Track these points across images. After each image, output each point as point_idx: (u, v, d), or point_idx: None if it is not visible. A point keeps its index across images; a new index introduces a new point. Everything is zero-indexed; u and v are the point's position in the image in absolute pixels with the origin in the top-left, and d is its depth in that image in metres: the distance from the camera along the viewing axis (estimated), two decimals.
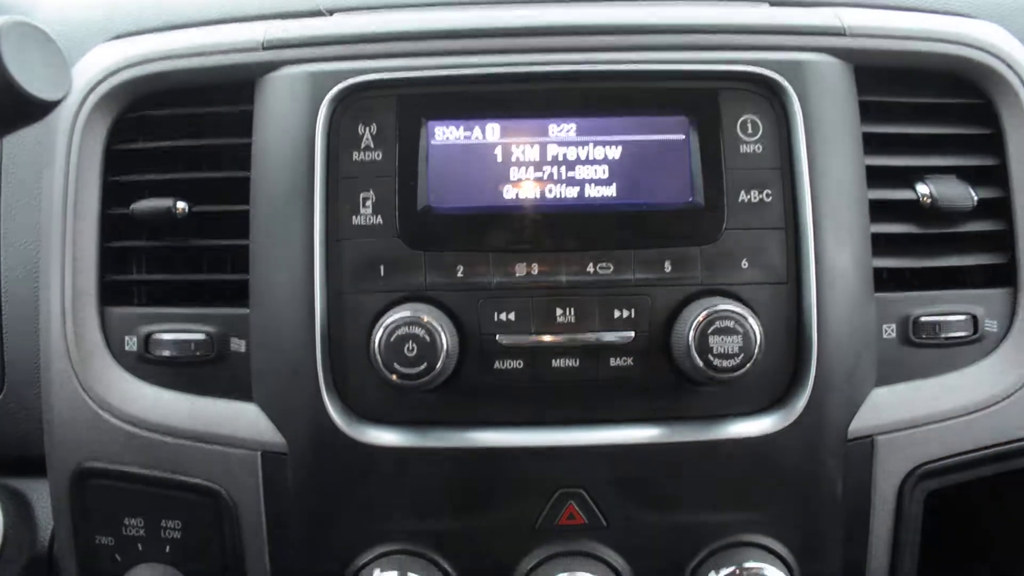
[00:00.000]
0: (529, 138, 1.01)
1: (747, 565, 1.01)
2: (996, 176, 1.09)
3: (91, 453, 1.05)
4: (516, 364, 1.00)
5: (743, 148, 1.01)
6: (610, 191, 1.01)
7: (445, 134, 1.01)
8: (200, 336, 1.05)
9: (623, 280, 1.00)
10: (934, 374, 1.07)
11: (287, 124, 1.01)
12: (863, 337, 1.03)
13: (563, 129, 1.02)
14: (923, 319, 1.07)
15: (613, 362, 1.00)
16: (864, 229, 1.04)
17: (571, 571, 1.01)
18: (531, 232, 1.00)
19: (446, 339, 0.95)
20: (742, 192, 1.01)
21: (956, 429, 1.05)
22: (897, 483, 1.05)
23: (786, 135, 1.02)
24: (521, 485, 1.02)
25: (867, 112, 1.06)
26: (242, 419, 1.03)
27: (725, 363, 0.95)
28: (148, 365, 1.06)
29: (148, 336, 1.06)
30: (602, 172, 1.01)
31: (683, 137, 1.01)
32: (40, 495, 1.22)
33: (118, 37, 1.15)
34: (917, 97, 1.10)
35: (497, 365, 1.00)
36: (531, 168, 1.01)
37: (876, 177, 1.06)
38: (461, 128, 1.01)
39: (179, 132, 1.08)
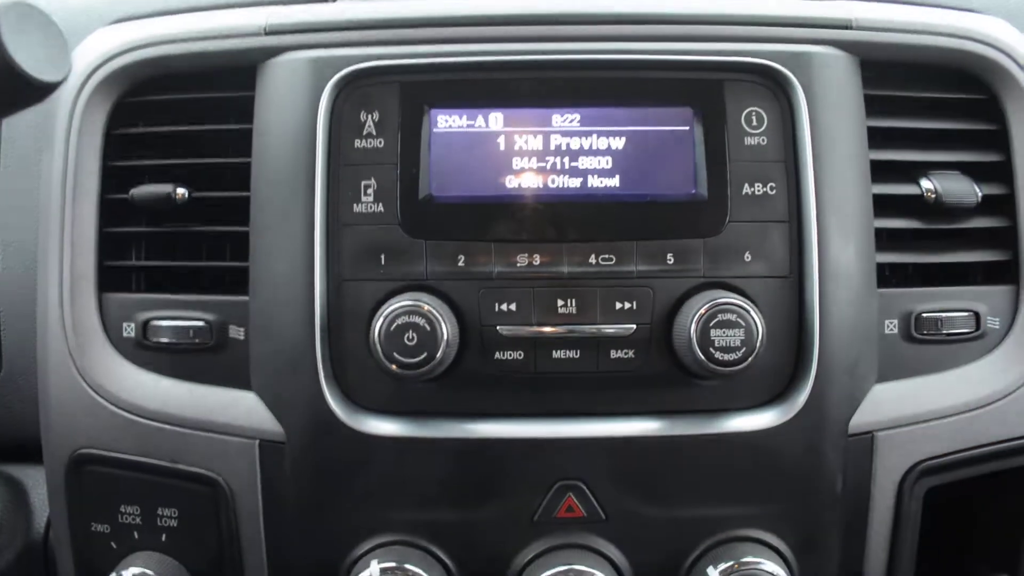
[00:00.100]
0: (532, 127, 1.01)
1: (745, 560, 1.00)
2: (1000, 172, 1.09)
3: (87, 440, 1.04)
4: (516, 355, 0.99)
5: (747, 140, 1.01)
6: (613, 182, 1.01)
7: (447, 122, 1.01)
8: (199, 323, 1.04)
9: (625, 272, 0.99)
10: (936, 370, 1.07)
11: (289, 110, 1.01)
12: (865, 332, 1.03)
13: (567, 119, 1.01)
14: (925, 315, 1.06)
15: (614, 354, 0.99)
16: (868, 224, 1.03)
17: (569, 564, 1.00)
18: (533, 222, 1.00)
19: (446, 329, 0.94)
20: (746, 185, 1.00)
21: (957, 426, 1.05)
22: (897, 479, 1.05)
23: (791, 128, 1.01)
24: (520, 477, 1.01)
25: (872, 106, 1.06)
26: (240, 407, 1.03)
27: (726, 356, 0.94)
28: (146, 352, 1.06)
29: (146, 322, 1.05)
30: (605, 163, 1.01)
31: (687, 128, 1.01)
32: (36, 482, 1.22)
33: (119, 21, 1.14)
34: (922, 92, 1.09)
35: (497, 356, 0.99)
36: (534, 158, 1.01)
37: (880, 172, 1.05)
38: (464, 116, 1.01)
39: (179, 117, 1.08)
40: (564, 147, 1.01)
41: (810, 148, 1.00)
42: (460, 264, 0.99)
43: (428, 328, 0.94)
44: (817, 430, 1.01)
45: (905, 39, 1.06)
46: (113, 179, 1.07)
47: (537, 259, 0.99)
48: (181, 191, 1.05)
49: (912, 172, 1.07)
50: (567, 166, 1.01)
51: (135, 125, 1.08)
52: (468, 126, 1.01)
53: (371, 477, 1.01)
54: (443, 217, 1.00)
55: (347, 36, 1.03)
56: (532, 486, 1.01)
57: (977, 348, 1.08)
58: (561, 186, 1.01)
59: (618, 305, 0.99)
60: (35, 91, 0.74)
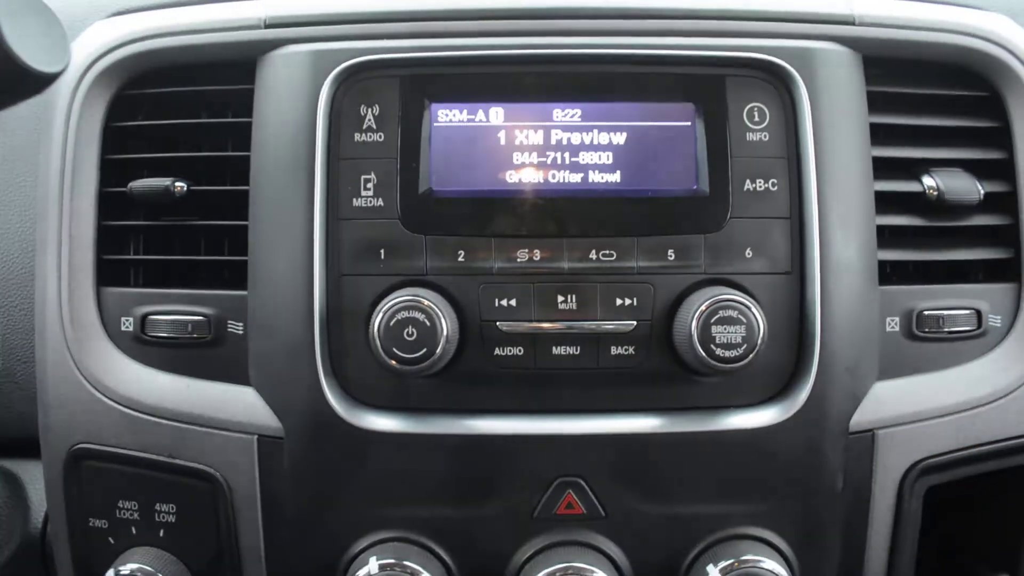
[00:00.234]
0: (533, 122, 1.00)
1: (745, 558, 1.00)
2: (1003, 170, 1.09)
3: (85, 434, 1.04)
4: (516, 351, 0.99)
5: (749, 136, 1.00)
6: (614, 177, 1.00)
7: (448, 116, 1.00)
8: (197, 318, 1.04)
9: (626, 268, 0.99)
10: (937, 368, 1.07)
11: (288, 104, 1.00)
12: (866, 330, 1.03)
13: (568, 114, 1.01)
14: (927, 313, 1.06)
15: (614, 351, 0.99)
16: (869, 221, 1.03)
17: (568, 561, 1.00)
18: (533, 217, 0.99)
19: (446, 324, 0.94)
20: (747, 181, 1.00)
21: (958, 424, 1.05)
22: (898, 477, 1.04)
23: (793, 124, 1.01)
24: (520, 473, 1.01)
25: (874, 103, 1.05)
26: (239, 403, 1.02)
27: (727, 353, 0.94)
28: (144, 346, 1.05)
29: (145, 317, 1.05)
30: (606, 158, 1.00)
31: (689, 124, 1.00)
32: (33, 477, 1.22)
33: (118, 14, 1.13)
34: (925, 88, 1.09)
35: (497, 351, 0.99)
36: (534, 153, 1.00)
37: (882, 168, 1.05)
38: (464, 111, 1.00)
39: (178, 110, 1.07)
40: (565, 142, 1.00)
41: (812, 144, 1.00)
42: (460, 259, 0.99)
43: (428, 324, 0.94)
44: (818, 428, 1.01)
45: (908, 35, 1.06)
46: (112, 172, 1.07)
47: (537, 255, 0.99)
48: (180, 185, 1.04)
49: (914, 169, 1.07)
50: (568, 161, 1.00)
51: (134, 118, 1.08)
52: (469, 120, 1.00)
53: (370, 473, 1.01)
54: (443, 212, 0.99)
55: (347, 29, 1.03)
56: (532, 483, 1.01)
57: (978, 346, 1.08)
58: (562, 181, 1.00)
59: (618, 301, 0.99)
60: (34, 82, 0.73)
